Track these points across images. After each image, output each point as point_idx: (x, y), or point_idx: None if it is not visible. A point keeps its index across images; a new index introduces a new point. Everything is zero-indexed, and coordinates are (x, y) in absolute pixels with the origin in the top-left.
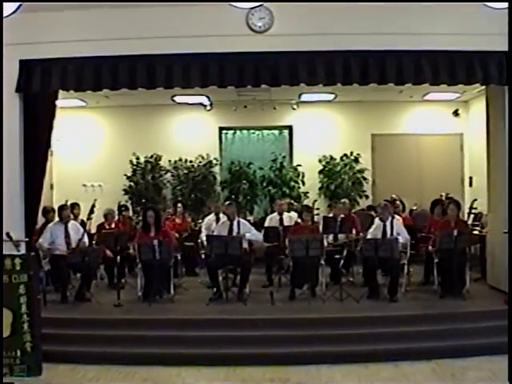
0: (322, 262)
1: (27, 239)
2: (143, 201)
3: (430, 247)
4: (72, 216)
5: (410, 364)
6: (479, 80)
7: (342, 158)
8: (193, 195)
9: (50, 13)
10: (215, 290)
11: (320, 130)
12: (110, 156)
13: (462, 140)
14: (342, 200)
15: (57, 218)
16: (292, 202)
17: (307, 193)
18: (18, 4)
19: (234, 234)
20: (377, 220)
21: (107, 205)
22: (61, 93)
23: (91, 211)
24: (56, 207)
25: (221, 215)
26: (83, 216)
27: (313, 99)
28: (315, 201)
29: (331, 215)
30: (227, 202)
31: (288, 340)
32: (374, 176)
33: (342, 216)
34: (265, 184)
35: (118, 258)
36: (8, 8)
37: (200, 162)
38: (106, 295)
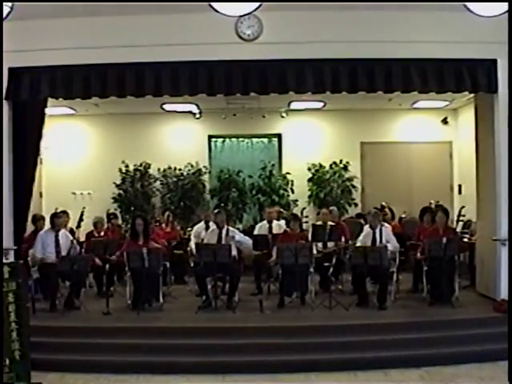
0: (311, 269)
1: (16, 247)
2: (132, 209)
3: (419, 254)
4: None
5: (399, 372)
6: (468, 88)
7: (331, 166)
8: (182, 203)
9: (39, 21)
10: (204, 298)
11: (309, 138)
12: (100, 164)
13: (451, 148)
14: (331, 208)
15: (47, 226)
16: (281, 210)
17: (296, 201)
18: (6, 12)
19: (223, 242)
20: (366, 227)
21: (96, 213)
22: (50, 101)
23: (80, 219)
24: (45, 215)
25: (210, 223)
26: (72, 224)
27: (302, 107)
28: (304, 208)
29: (320, 223)
30: (216, 210)
31: (277, 348)
32: (363, 184)
33: (332, 224)
34: (254, 192)
35: (107, 266)
36: None
37: (189, 170)
38: (94, 303)
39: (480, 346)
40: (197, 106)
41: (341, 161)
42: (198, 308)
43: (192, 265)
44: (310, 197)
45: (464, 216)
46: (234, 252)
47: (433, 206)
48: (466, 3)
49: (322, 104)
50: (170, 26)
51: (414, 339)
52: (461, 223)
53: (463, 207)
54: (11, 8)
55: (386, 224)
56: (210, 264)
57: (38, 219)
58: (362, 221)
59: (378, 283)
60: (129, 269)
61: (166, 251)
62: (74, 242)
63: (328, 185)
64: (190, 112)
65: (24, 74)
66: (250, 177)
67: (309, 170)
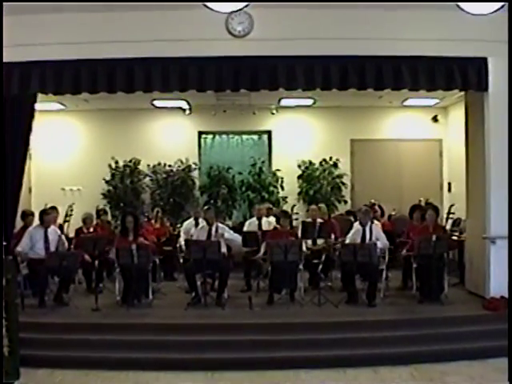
0: (301, 266)
1: (5, 243)
2: (122, 205)
3: (405, 251)
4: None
5: (388, 369)
6: (458, 86)
7: (321, 163)
8: (171, 200)
9: (29, 16)
10: (194, 294)
11: (299, 135)
12: (89, 160)
13: (441, 146)
14: (319, 205)
15: (36, 222)
16: (271, 206)
17: (286, 198)
18: None
19: (213, 238)
20: (356, 225)
21: (86, 209)
22: (40, 96)
23: (67, 214)
24: (34, 211)
25: (200, 220)
26: (61, 220)
27: (292, 104)
28: (294, 205)
29: (310, 220)
30: (206, 207)
31: (266, 345)
32: (352, 181)
33: (321, 221)
34: (244, 189)
35: (96, 262)
36: None
37: (179, 167)
38: (84, 299)
39: (469, 343)
40: (187, 102)
41: (331, 158)
42: (188, 304)
43: (181, 261)
44: (299, 194)
45: (454, 214)
46: (224, 249)
47: (422, 203)
48: (458, 2)
49: (312, 101)
50: (161, 22)
51: (404, 336)
52: (450, 221)
53: (453, 205)
54: None
55: (375, 221)
56: (199, 260)
57: (27, 215)
58: (352, 218)
59: (367, 280)
60: (118, 265)
61: (156, 247)
62: (63, 237)
63: (318, 182)
64: (180, 108)
65: (14, 68)
66: (240, 173)
67: (299, 166)
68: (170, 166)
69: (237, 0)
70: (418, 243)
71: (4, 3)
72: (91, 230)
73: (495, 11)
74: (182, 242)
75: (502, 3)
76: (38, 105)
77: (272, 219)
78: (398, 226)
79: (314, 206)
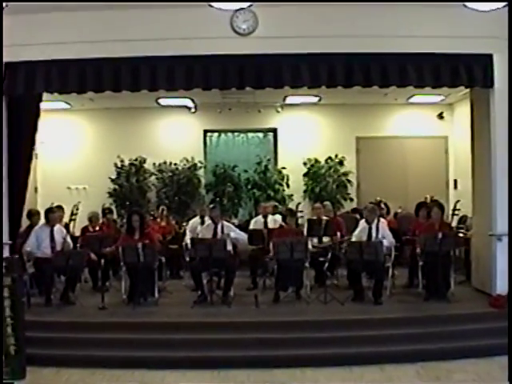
0: (307, 264)
1: (11, 242)
2: (128, 204)
3: (419, 249)
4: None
5: (394, 367)
6: (464, 83)
7: (326, 161)
8: (177, 198)
9: (34, 15)
10: (200, 292)
11: (304, 133)
12: (95, 159)
13: (447, 143)
14: (324, 202)
15: (42, 221)
16: (276, 204)
17: (292, 195)
18: None
19: (219, 236)
20: (362, 222)
21: (92, 208)
22: (45, 95)
23: (72, 213)
24: (40, 210)
25: (205, 218)
26: (67, 219)
27: (297, 102)
28: (299, 203)
29: (315, 218)
30: (211, 205)
31: (272, 343)
32: (358, 179)
33: (327, 219)
34: (249, 187)
35: (103, 261)
36: None
37: (184, 165)
38: (90, 298)
39: (476, 341)
40: (192, 100)
41: (336, 155)
42: (194, 303)
43: (187, 259)
44: (305, 192)
45: (459, 210)
46: (230, 247)
47: (428, 200)
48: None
49: (317, 98)
50: (166, 21)
51: (410, 334)
52: (456, 218)
53: (458, 201)
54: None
55: (381, 219)
56: (205, 259)
57: (33, 214)
58: (358, 216)
59: (373, 278)
60: (124, 264)
61: (161, 246)
62: (68, 239)
63: (323, 179)
64: (186, 106)
65: (19, 68)
66: (246, 171)
67: (304, 164)
68: (175, 164)
69: None
70: (424, 241)
71: (9, 3)
72: (97, 228)
73: (500, 8)
74: (188, 241)
75: (503, 3)
76: (44, 104)
77: (278, 217)
78: (403, 224)
79: (317, 204)
